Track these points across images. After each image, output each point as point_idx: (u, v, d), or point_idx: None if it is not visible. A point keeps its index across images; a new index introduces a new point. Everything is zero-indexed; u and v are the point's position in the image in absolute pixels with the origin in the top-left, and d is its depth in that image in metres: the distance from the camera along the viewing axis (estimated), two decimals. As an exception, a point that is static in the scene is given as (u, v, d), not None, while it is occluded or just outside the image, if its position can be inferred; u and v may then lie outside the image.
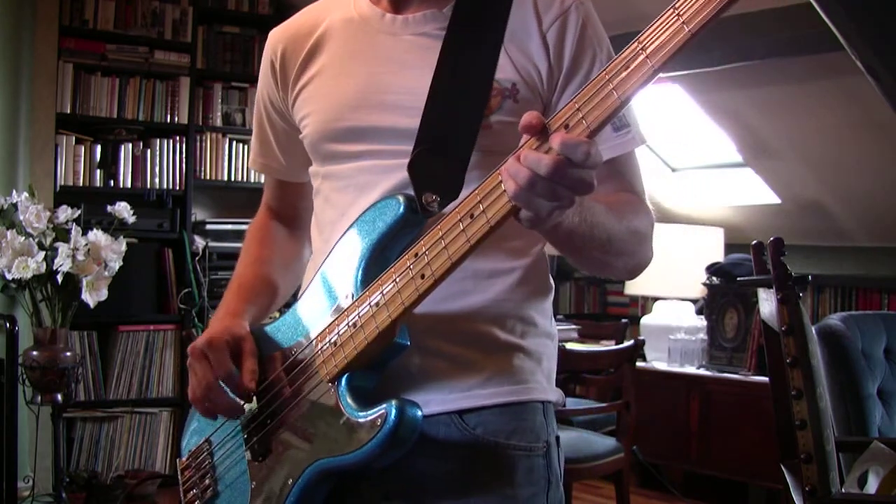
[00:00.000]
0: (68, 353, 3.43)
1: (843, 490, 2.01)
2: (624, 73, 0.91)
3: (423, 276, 1.05)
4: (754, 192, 4.84)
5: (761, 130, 4.44)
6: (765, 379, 2.92)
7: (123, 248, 3.47)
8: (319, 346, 1.15)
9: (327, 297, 1.17)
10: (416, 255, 1.06)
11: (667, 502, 4.34)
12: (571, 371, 3.29)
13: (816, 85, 3.99)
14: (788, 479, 2.10)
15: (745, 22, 3.69)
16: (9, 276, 3.22)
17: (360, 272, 1.13)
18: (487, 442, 1.16)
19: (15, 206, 3.36)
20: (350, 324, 1.11)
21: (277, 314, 1.33)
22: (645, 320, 4.73)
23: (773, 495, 4.05)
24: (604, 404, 3.51)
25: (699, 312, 4.60)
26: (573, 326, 4.39)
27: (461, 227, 1.01)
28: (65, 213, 3.40)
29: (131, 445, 4.29)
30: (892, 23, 2.70)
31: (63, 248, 3.25)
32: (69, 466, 4.07)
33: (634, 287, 4.78)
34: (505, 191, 0.97)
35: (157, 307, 4.43)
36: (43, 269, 3.21)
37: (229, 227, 4.61)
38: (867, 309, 4.50)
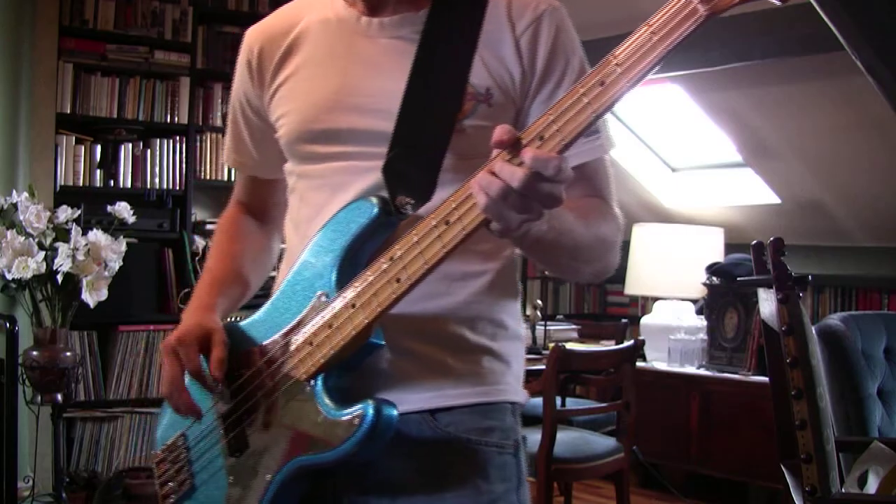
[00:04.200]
0: (68, 353, 3.42)
1: (843, 490, 2.01)
2: (599, 89, 0.95)
3: (398, 280, 1.07)
4: (754, 192, 4.84)
5: (761, 130, 4.44)
6: (765, 379, 2.92)
7: (123, 248, 3.46)
8: (295, 345, 1.16)
9: (302, 297, 1.19)
10: (392, 258, 1.08)
11: (667, 502, 4.34)
12: (571, 371, 3.28)
13: (816, 85, 3.99)
14: (788, 479, 2.10)
15: (745, 22, 3.69)
16: (9, 276, 3.21)
17: (336, 273, 1.15)
18: (460, 439, 1.18)
19: (15, 206, 3.35)
20: (326, 324, 1.13)
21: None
22: (645, 320, 4.72)
23: (773, 495, 4.05)
24: (604, 404, 3.51)
25: (699, 312, 4.60)
26: (573, 326, 4.39)
27: (437, 234, 1.04)
28: (65, 213, 3.39)
29: (131, 445, 4.29)
30: (892, 23, 2.70)
31: (63, 248, 3.24)
32: (69, 466, 4.07)
33: (634, 287, 4.78)
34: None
35: (157, 307, 4.42)
36: (43, 269, 3.21)
37: (229, 227, 4.61)
38: (867, 309, 4.50)
